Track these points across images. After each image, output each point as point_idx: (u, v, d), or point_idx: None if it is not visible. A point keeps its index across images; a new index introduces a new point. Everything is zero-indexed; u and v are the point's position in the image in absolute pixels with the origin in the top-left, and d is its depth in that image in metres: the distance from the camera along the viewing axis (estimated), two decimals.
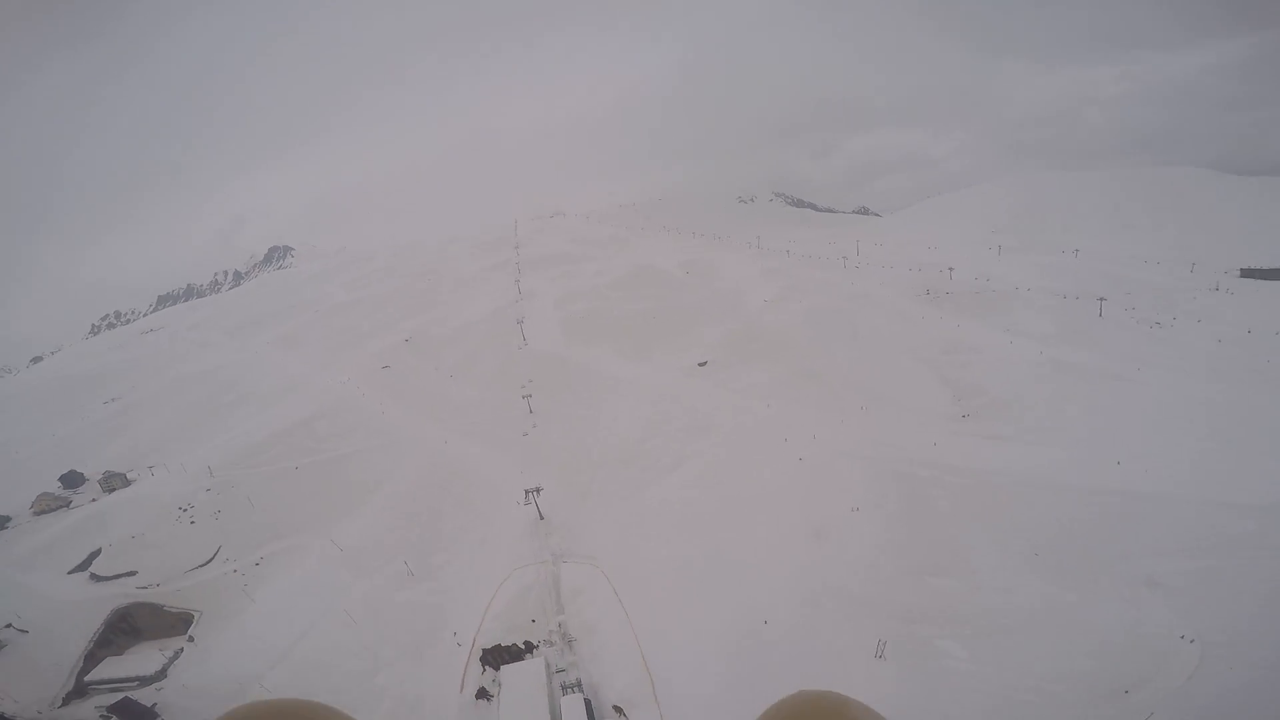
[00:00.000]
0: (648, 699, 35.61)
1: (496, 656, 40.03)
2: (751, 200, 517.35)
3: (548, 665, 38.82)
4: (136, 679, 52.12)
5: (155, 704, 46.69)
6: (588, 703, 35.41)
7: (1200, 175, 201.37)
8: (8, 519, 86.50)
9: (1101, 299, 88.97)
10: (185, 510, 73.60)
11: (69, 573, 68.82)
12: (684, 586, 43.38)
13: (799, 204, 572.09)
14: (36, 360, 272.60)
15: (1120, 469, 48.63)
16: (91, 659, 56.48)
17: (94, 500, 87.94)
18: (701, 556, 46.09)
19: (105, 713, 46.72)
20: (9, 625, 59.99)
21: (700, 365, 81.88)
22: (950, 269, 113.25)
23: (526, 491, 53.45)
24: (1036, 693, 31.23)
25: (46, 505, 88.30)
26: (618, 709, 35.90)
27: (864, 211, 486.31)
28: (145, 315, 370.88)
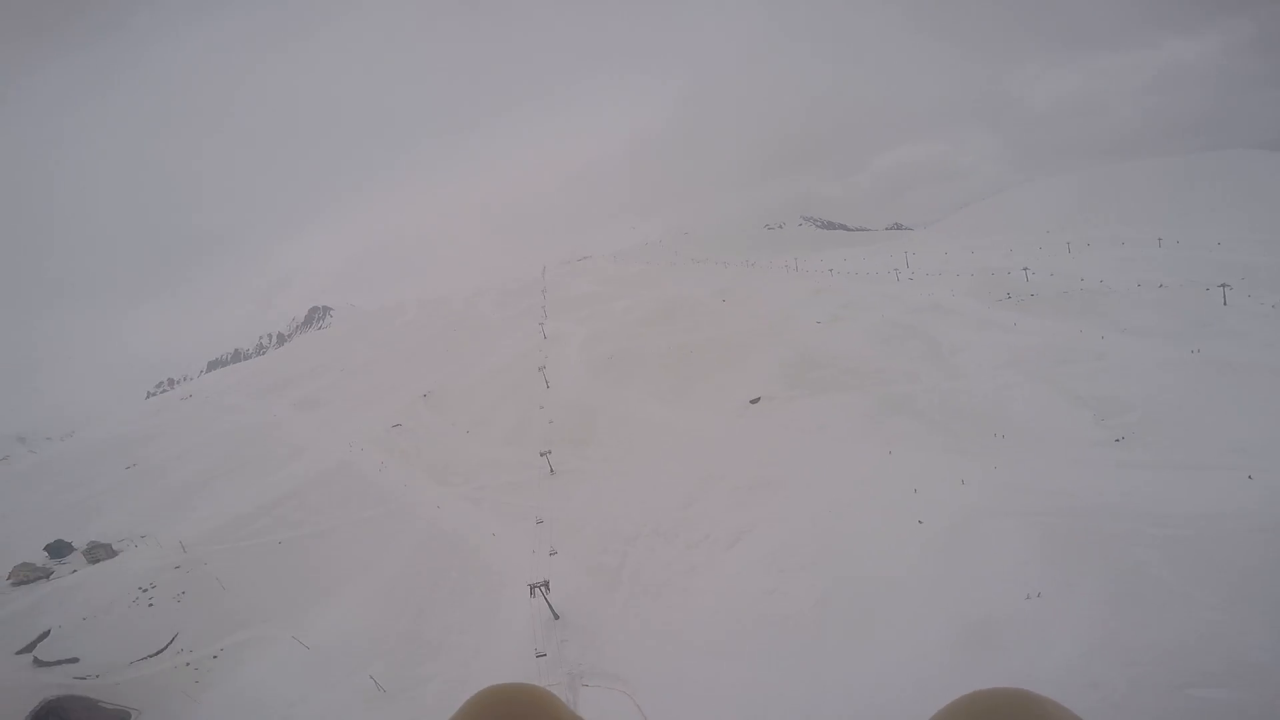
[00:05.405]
0: None
1: None
2: (780, 226, 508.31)
3: None
4: None
5: None
6: None
7: (1256, 156, 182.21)
8: None
9: (1224, 285, 71.85)
10: (146, 590, 66.06)
11: (17, 653, 62.33)
12: None
13: (829, 225, 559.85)
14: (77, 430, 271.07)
15: None
16: None
17: (74, 572, 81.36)
18: (788, 680, 31.41)
19: None
20: None
21: (753, 402, 67.88)
22: (1025, 269, 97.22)
23: (532, 586, 40.18)
24: None
25: (24, 576, 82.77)
26: None
27: (898, 227, 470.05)
28: (193, 380, 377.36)
